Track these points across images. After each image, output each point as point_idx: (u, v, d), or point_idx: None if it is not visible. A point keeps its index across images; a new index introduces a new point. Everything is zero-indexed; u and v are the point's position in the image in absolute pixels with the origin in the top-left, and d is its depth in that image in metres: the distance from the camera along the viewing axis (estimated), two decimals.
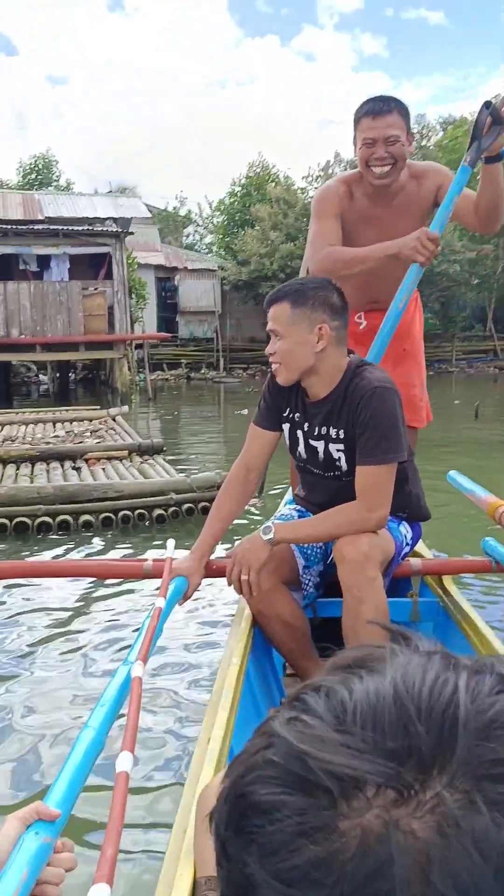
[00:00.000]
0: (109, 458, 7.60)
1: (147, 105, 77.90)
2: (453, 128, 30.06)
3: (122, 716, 1.34)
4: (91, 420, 10.76)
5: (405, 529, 2.31)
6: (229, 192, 29.96)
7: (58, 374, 20.02)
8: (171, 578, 2.12)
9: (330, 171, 26.52)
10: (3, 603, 4.12)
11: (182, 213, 39.60)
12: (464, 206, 2.54)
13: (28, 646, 3.57)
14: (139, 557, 2.71)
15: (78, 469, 7.13)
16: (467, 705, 0.31)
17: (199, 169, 66.78)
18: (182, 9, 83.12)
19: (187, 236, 38.82)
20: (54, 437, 9.13)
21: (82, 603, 4.14)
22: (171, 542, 2.30)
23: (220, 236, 31.09)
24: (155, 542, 5.27)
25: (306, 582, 2.29)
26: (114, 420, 10.69)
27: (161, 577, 2.14)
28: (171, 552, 2.25)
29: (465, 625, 2.26)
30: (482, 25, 72.33)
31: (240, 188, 29.30)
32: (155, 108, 76.57)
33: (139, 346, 20.06)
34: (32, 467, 7.38)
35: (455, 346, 25.52)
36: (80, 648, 3.52)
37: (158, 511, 5.67)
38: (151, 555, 3.14)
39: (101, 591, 4.24)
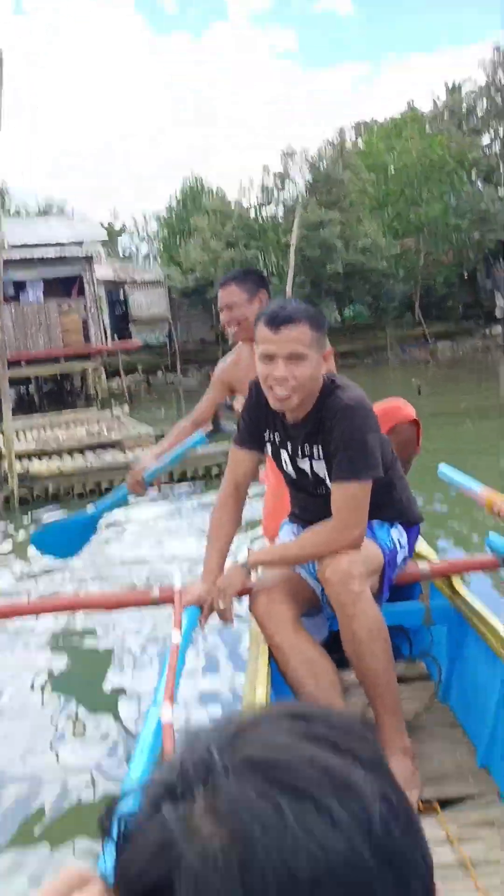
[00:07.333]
0: (141, 445, 9.45)
1: (64, 120, 78.44)
2: (367, 134, 32.48)
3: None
4: (99, 421, 12.53)
5: (398, 533, 2.27)
6: (167, 207, 31.78)
7: (25, 388, 21.45)
8: (184, 609, 2.09)
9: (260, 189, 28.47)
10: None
11: (117, 226, 41.16)
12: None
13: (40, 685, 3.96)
14: (143, 588, 2.76)
15: (124, 451, 8.97)
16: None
17: (124, 181, 67.97)
18: (86, 12, 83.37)
19: (124, 250, 40.37)
20: (80, 434, 10.88)
21: (100, 631, 4.51)
22: (176, 574, 2.33)
23: (161, 248, 32.78)
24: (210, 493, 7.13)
25: (325, 601, 2.19)
26: (118, 419, 12.49)
27: (169, 602, 2.19)
28: (179, 584, 2.23)
29: (480, 624, 2.23)
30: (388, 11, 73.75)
31: (177, 201, 31.10)
32: (73, 123, 77.23)
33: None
34: (83, 455, 9.15)
35: (388, 333, 27.78)
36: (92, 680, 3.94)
37: (215, 470, 7.90)
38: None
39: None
